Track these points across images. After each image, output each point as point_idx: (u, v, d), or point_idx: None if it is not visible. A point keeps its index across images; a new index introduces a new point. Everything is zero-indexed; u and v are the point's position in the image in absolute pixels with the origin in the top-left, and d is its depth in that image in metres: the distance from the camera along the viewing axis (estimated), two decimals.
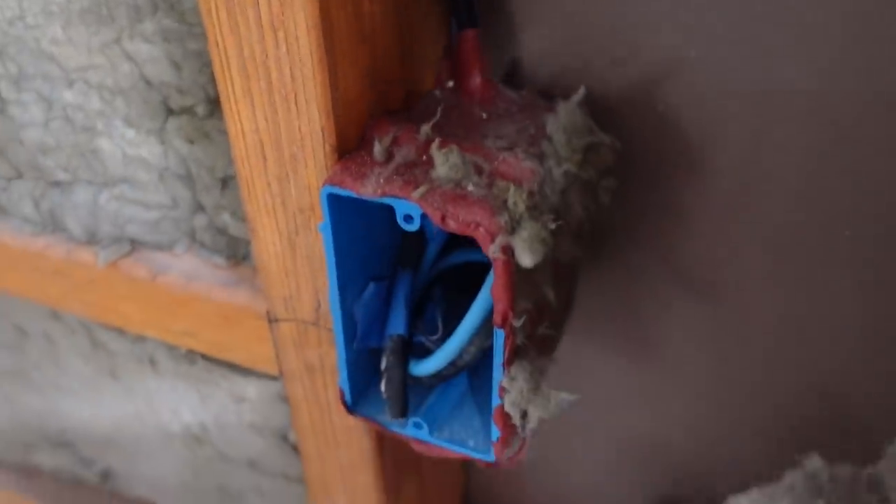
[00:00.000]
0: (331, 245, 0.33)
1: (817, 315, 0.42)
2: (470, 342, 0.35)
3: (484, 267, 0.35)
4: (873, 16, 0.32)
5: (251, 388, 0.47)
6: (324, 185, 0.31)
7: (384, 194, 0.30)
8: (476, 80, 0.37)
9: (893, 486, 0.29)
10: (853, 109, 0.35)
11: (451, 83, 0.38)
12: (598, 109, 0.37)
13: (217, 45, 0.31)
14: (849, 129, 0.35)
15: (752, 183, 0.39)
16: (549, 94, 0.39)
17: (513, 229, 0.29)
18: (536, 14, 0.38)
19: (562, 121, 0.33)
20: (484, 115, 0.36)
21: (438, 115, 0.32)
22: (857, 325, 0.41)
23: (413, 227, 0.31)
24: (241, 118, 0.33)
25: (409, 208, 0.30)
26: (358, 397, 0.38)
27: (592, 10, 0.37)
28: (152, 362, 0.50)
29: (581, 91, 0.34)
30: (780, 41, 0.34)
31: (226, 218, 0.41)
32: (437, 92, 0.38)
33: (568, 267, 0.37)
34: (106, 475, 0.65)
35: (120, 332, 0.50)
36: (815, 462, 0.31)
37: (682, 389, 0.49)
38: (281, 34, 0.30)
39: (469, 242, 0.38)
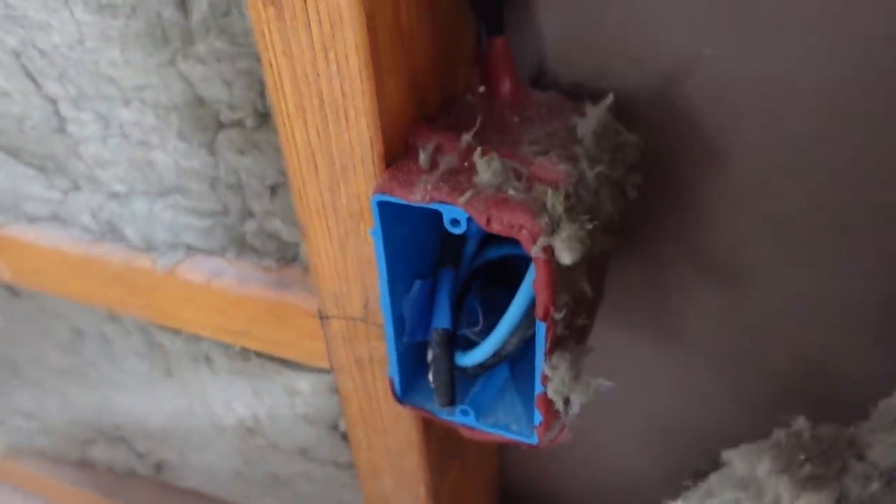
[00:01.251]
0: (381, 248, 0.35)
1: (827, 296, 0.44)
2: (512, 334, 0.37)
3: (517, 259, 0.37)
4: (876, 17, 0.34)
5: (304, 382, 0.49)
6: (374, 193, 0.34)
7: (432, 200, 0.32)
8: (507, 85, 0.39)
9: (871, 443, 0.32)
10: (862, 100, 0.36)
11: (482, 88, 0.40)
12: (621, 107, 0.39)
13: (271, 66, 0.33)
14: (857, 119, 0.37)
15: (767, 172, 0.41)
16: (575, 95, 0.41)
17: (553, 230, 0.31)
18: (558, 18, 0.40)
19: (591, 124, 0.35)
20: (516, 119, 0.38)
21: (478, 124, 0.34)
22: (860, 307, 0.43)
23: (460, 230, 0.33)
24: (295, 133, 0.35)
25: (456, 213, 0.32)
26: (407, 388, 0.41)
27: (611, 14, 0.38)
28: (207, 360, 0.53)
29: (609, 97, 0.36)
30: (791, 39, 0.36)
31: (276, 223, 0.43)
32: (470, 97, 0.40)
33: (599, 258, 0.39)
34: (159, 467, 0.68)
35: (176, 332, 0.52)
36: (800, 422, 0.34)
37: (704, 371, 0.51)
38: (332, 54, 0.32)
39: (504, 237, 0.40)
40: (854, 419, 0.39)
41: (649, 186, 0.41)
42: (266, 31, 0.33)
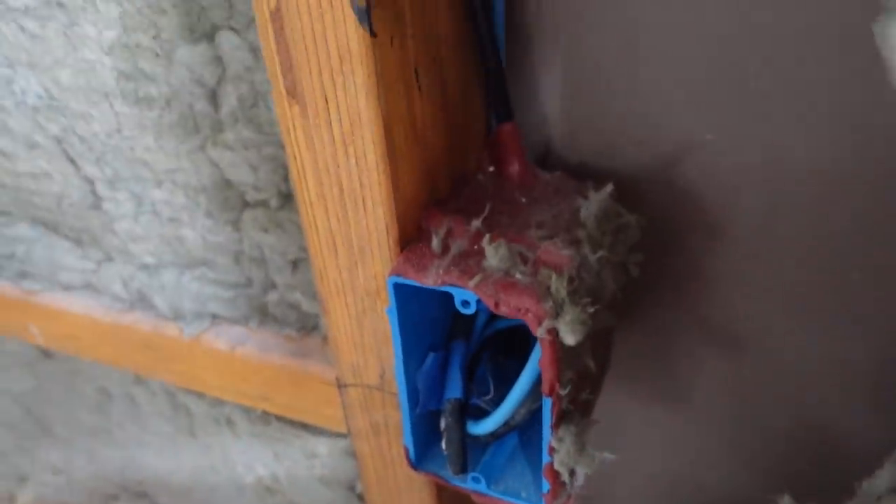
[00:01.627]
0: (396, 326, 0.37)
1: (827, 360, 0.45)
2: (520, 405, 0.38)
3: (525, 328, 0.39)
4: (866, 99, 0.36)
5: (322, 446, 0.51)
6: (390, 275, 0.36)
7: (444, 283, 0.35)
8: (515, 167, 0.41)
9: None
10: (856, 176, 0.38)
11: (491, 168, 0.42)
12: (624, 185, 0.41)
13: (295, 158, 0.36)
14: (852, 194, 0.39)
15: (765, 245, 0.42)
16: (579, 173, 0.43)
17: (556, 314, 0.33)
18: (565, 103, 0.42)
19: (593, 209, 0.37)
20: (523, 200, 0.40)
21: (487, 210, 0.37)
22: (860, 371, 0.45)
23: (470, 310, 0.35)
24: (316, 218, 0.38)
25: (467, 295, 0.34)
26: (421, 455, 0.42)
27: (616, 100, 0.41)
28: (229, 423, 0.55)
29: (609, 186, 0.38)
30: (789, 124, 0.38)
31: (297, 295, 0.46)
32: (480, 176, 0.42)
33: (602, 333, 0.41)
34: None
35: (200, 395, 0.55)
36: (785, 500, 0.36)
37: (709, 433, 0.52)
38: (351, 149, 0.35)
39: None
40: (854, 480, 0.40)
41: (652, 259, 0.43)
42: (291, 127, 0.35)
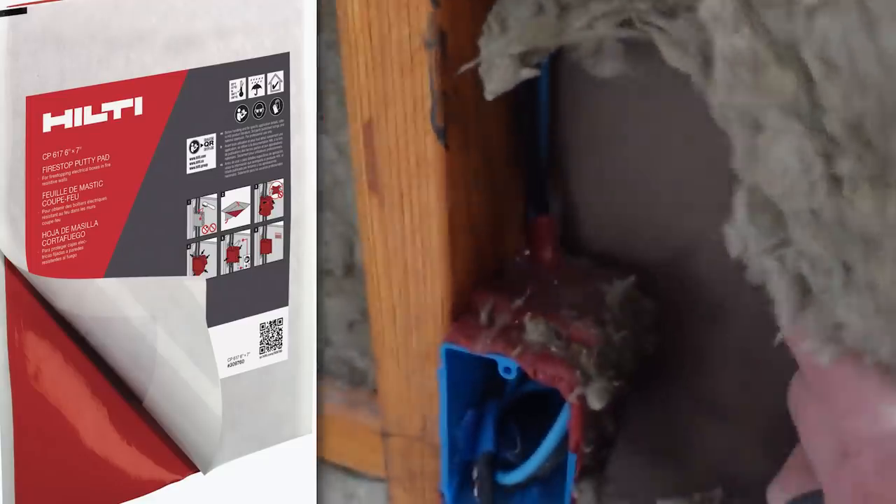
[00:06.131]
0: (444, 386, 0.43)
1: None
2: (547, 460, 0.44)
3: (547, 394, 0.45)
4: None
5: (361, 489, 0.56)
6: (444, 342, 0.42)
7: (490, 352, 0.41)
8: (548, 253, 0.47)
9: None
10: None
11: (527, 252, 0.49)
12: (641, 275, 0.47)
13: (368, 239, 0.42)
14: None
15: (761, 329, 0.48)
16: (604, 260, 0.49)
17: (585, 382, 0.39)
18: (593, 202, 0.49)
19: (617, 296, 0.43)
20: (556, 282, 0.46)
21: (528, 292, 0.43)
22: None
23: (511, 376, 0.41)
24: (381, 289, 0.44)
25: (509, 363, 0.40)
26: (454, 501, 0.48)
27: (636, 201, 0.47)
28: None
29: (631, 278, 0.44)
30: None
31: (351, 353, 0.51)
32: (518, 259, 0.49)
33: (619, 400, 0.46)
34: None
35: None
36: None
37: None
38: (418, 235, 0.41)
39: None
40: None
41: (663, 338, 0.49)
42: (368, 214, 0.42)
